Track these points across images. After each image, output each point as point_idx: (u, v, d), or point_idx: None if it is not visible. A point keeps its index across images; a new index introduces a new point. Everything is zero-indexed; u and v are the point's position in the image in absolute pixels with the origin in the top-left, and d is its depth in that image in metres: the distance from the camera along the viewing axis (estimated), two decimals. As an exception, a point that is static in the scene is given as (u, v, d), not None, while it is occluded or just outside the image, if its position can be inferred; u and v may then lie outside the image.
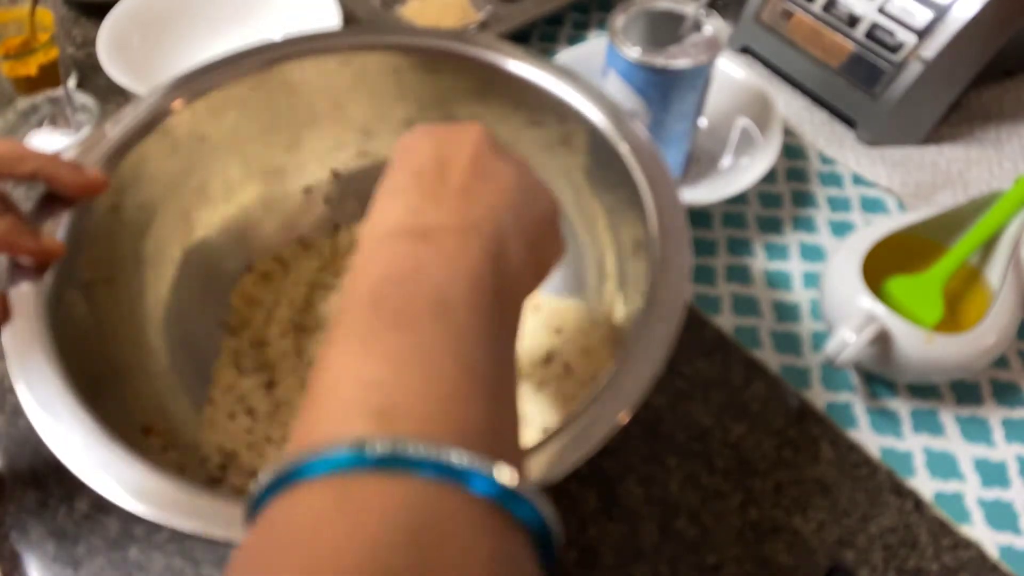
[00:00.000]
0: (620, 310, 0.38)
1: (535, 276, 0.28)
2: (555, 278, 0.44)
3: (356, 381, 0.20)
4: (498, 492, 0.18)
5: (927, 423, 0.42)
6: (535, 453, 0.27)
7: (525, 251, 0.26)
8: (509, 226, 0.26)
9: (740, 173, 0.51)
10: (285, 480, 0.18)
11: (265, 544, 0.18)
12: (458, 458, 0.18)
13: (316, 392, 0.21)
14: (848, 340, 0.39)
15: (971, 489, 0.39)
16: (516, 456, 0.21)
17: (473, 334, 0.22)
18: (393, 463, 0.18)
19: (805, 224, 0.51)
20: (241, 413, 0.39)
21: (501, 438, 0.21)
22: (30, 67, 0.56)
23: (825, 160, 0.55)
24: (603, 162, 0.39)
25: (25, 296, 0.32)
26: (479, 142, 0.28)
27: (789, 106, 0.59)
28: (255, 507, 0.19)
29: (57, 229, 0.34)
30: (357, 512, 0.17)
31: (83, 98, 0.51)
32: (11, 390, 0.43)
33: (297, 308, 0.44)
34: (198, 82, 0.41)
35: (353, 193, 0.47)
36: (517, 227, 0.26)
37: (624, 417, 0.28)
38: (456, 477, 0.18)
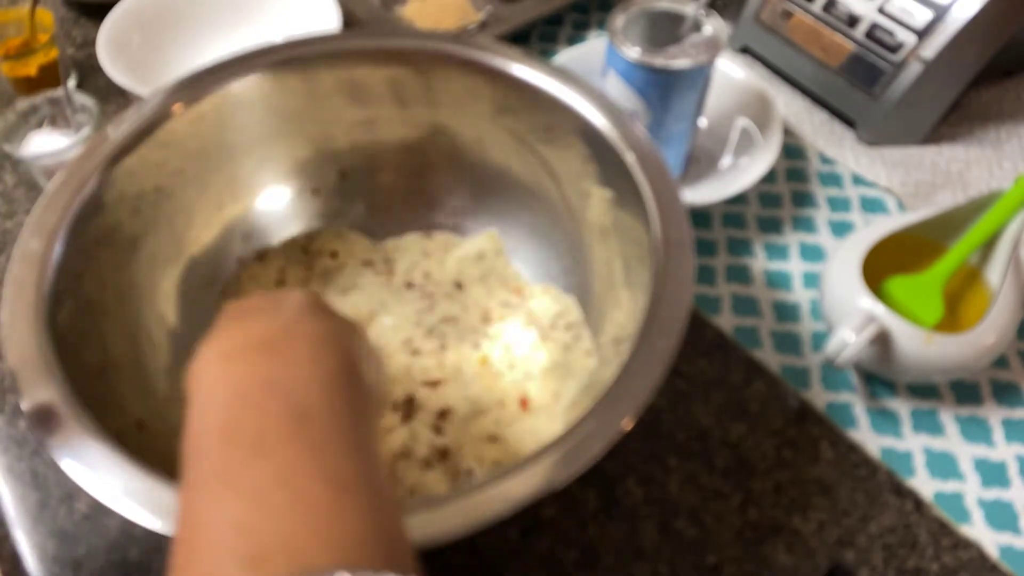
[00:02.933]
0: (624, 318, 0.38)
1: (379, 402, 0.27)
2: (560, 282, 0.44)
3: (223, 526, 0.19)
4: None
5: (927, 423, 0.42)
6: (537, 460, 0.27)
7: (373, 370, 0.26)
8: (356, 345, 0.26)
9: (740, 173, 0.51)
10: None
11: None
12: None
13: (186, 544, 0.20)
14: (848, 340, 0.39)
15: (971, 489, 0.39)
16: (403, 553, 0.20)
17: (335, 442, 0.21)
18: None
19: (805, 224, 0.51)
20: None
21: (383, 540, 0.20)
22: (30, 68, 0.56)
23: (825, 160, 0.55)
24: (608, 169, 0.39)
25: (25, 295, 0.32)
26: (310, 295, 0.27)
27: (789, 106, 0.59)
28: None
29: (61, 226, 0.34)
30: None
31: (83, 99, 0.51)
32: (11, 390, 0.43)
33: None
34: (200, 84, 0.41)
35: (361, 194, 0.47)
36: (363, 348, 0.26)
37: (628, 424, 0.28)
38: None
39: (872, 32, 0.52)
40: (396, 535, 0.21)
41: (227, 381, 0.22)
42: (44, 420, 0.28)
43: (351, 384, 0.23)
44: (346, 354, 0.24)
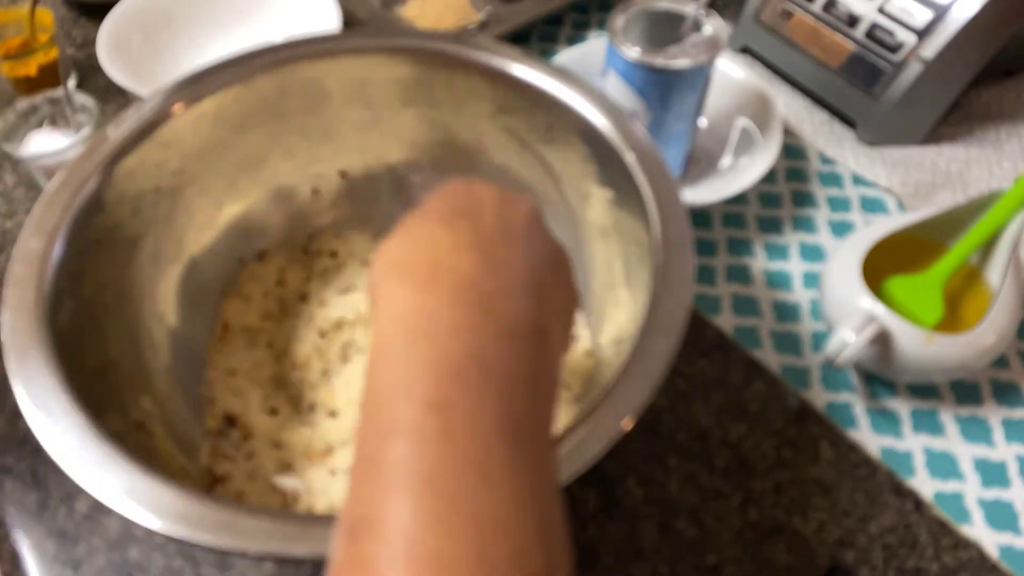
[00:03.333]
0: (624, 318, 0.38)
1: (565, 335, 0.26)
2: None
3: (409, 550, 0.17)
4: None
5: (927, 423, 0.42)
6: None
7: (559, 313, 0.25)
8: (550, 293, 0.24)
9: (740, 173, 0.51)
10: None
11: None
12: None
13: (372, 548, 0.17)
14: (848, 340, 0.39)
15: (971, 489, 0.39)
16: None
17: (543, 466, 0.19)
18: None
19: (805, 224, 0.51)
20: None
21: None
22: (30, 67, 0.56)
23: (825, 160, 0.55)
24: (608, 169, 0.39)
25: (25, 295, 0.32)
26: (532, 209, 0.26)
27: (789, 106, 0.59)
28: None
29: (61, 226, 0.34)
30: None
31: (83, 98, 0.51)
32: (11, 390, 0.43)
33: (309, 315, 0.44)
34: (200, 85, 0.41)
35: (361, 194, 0.47)
36: (555, 291, 0.24)
37: (628, 424, 0.28)
38: None
39: (872, 32, 0.52)
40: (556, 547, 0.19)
41: (438, 332, 0.20)
42: (44, 420, 0.28)
43: (543, 354, 0.22)
44: (541, 318, 0.22)
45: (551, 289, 0.24)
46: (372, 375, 0.20)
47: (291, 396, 0.41)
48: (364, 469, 0.19)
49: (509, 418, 0.19)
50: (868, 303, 0.40)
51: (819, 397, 0.43)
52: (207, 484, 0.36)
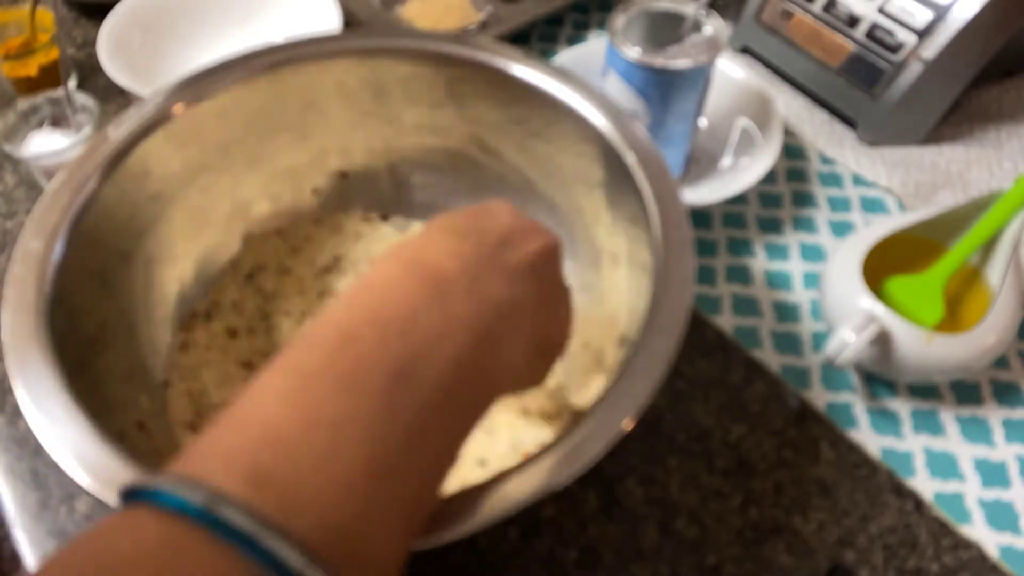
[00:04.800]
0: (624, 318, 0.38)
1: (530, 374, 0.28)
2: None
3: (263, 426, 0.20)
4: None
5: (927, 423, 0.42)
6: (537, 460, 0.27)
7: (532, 351, 0.26)
8: (526, 326, 0.26)
9: (740, 173, 0.51)
10: (144, 495, 0.19)
11: (79, 557, 0.18)
12: (295, 560, 0.18)
13: (230, 414, 0.21)
14: (848, 340, 0.39)
15: (971, 489, 0.39)
16: (384, 555, 0.20)
17: (418, 419, 0.21)
18: (238, 538, 0.17)
19: (805, 224, 0.51)
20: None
21: (367, 541, 0.20)
22: (30, 68, 0.56)
23: (825, 160, 0.55)
24: (608, 169, 0.39)
25: (25, 295, 0.32)
26: (550, 244, 0.28)
27: (789, 106, 0.59)
28: (124, 500, 0.20)
29: (61, 226, 0.34)
30: (172, 568, 0.17)
31: (83, 99, 0.51)
32: (11, 390, 0.43)
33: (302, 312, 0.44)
34: (200, 84, 0.41)
35: (361, 194, 0.47)
36: (533, 330, 0.26)
37: (628, 424, 0.28)
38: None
39: (872, 32, 0.52)
40: (390, 531, 0.21)
41: (383, 285, 0.23)
42: (44, 420, 0.28)
43: (485, 355, 0.23)
44: (499, 327, 0.24)
45: (533, 322, 0.26)
46: (325, 310, 0.23)
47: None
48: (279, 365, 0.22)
49: (410, 348, 0.22)
50: (868, 303, 0.40)
51: (819, 397, 0.43)
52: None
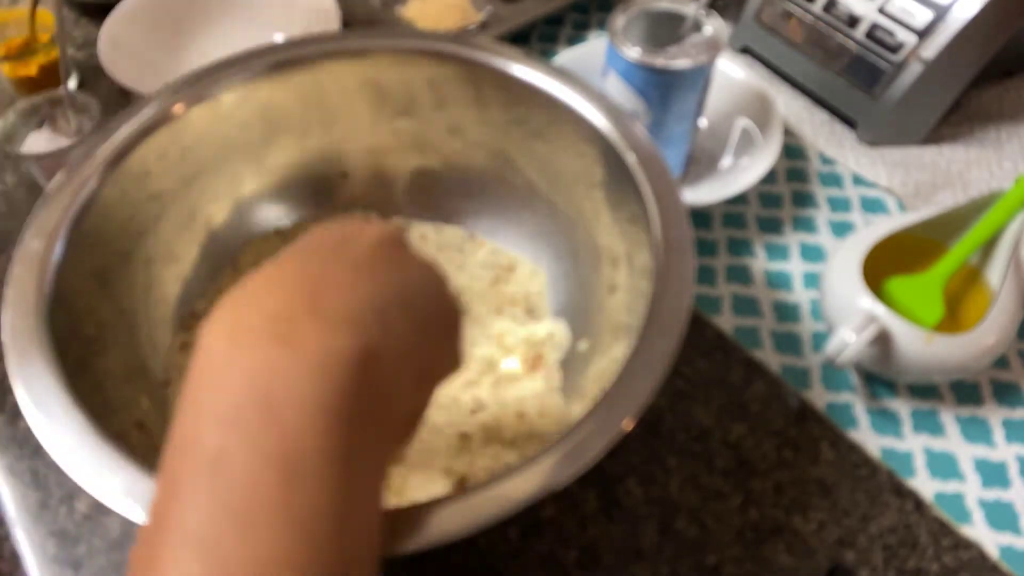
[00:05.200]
0: (625, 320, 0.38)
1: (416, 390, 0.25)
2: (560, 294, 0.44)
3: (185, 537, 0.18)
4: None
5: (927, 423, 0.42)
6: (537, 460, 0.27)
7: (412, 365, 0.23)
8: (397, 325, 0.22)
9: (740, 173, 0.51)
10: None
11: None
12: None
13: (149, 539, 0.19)
14: (848, 340, 0.39)
15: (971, 489, 0.39)
16: None
17: (325, 493, 0.19)
18: None
19: (805, 224, 0.51)
20: None
21: None
22: (31, 68, 0.56)
23: (825, 160, 0.55)
24: (608, 169, 0.39)
25: (26, 295, 0.32)
26: (387, 232, 0.25)
27: (789, 106, 0.59)
28: None
29: (61, 226, 0.34)
30: None
31: (84, 99, 0.51)
32: (11, 390, 0.43)
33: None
34: (200, 84, 0.41)
35: (361, 195, 0.47)
36: (408, 328, 0.23)
37: (628, 424, 0.28)
38: None
39: (872, 32, 0.52)
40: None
41: (227, 378, 0.20)
42: (44, 420, 0.28)
43: (363, 384, 0.20)
44: (371, 340, 0.21)
45: (410, 313, 0.23)
46: (173, 426, 0.20)
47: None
48: (154, 523, 0.19)
49: (287, 458, 0.19)
50: (868, 303, 0.40)
51: (819, 397, 0.43)
52: None
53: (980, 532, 0.38)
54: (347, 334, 0.21)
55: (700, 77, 0.46)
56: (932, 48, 0.50)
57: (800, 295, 0.48)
